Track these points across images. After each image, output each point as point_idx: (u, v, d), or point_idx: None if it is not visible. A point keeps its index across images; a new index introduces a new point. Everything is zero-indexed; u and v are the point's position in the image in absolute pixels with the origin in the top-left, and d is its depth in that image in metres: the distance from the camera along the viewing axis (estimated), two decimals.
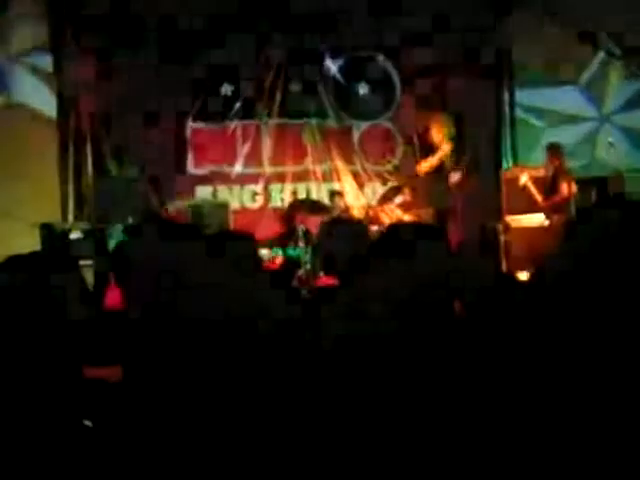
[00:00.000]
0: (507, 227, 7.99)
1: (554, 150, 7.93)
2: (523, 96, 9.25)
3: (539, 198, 7.63)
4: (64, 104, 8.42)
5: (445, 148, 7.42)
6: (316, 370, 1.87)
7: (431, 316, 1.93)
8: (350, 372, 1.82)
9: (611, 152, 7.90)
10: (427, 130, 7.92)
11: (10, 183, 7.96)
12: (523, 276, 7.67)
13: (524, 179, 7.67)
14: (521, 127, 9.34)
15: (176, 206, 8.02)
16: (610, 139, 8.08)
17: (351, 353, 1.85)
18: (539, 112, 9.26)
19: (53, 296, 1.78)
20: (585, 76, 9.27)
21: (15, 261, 1.83)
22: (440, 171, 7.48)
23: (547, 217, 7.58)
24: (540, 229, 8.06)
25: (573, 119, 8.45)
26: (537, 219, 8.11)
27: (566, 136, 8.35)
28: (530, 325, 1.90)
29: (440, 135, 7.49)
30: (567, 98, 9.01)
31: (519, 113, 9.28)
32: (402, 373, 1.79)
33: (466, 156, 7.81)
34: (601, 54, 9.08)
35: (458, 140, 7.84)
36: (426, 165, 7.50)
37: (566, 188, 7.60)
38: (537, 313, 1.92)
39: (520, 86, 9.22)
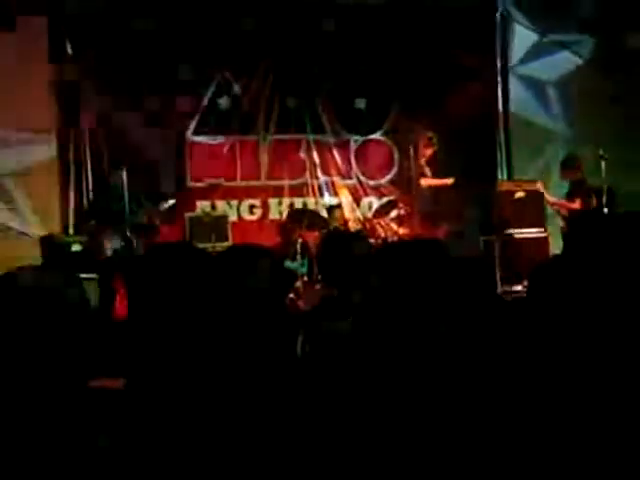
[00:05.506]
0: (503, 240, 8.04)
1: (571, 163, 8.04)
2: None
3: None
4: (65, 116, 8.43)
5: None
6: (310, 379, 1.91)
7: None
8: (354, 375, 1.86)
9: (601, 164, 7.86)
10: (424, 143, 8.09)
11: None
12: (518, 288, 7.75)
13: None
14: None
15: (166, 205, 8.03)
16: (601, 151, 8.04)
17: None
18: None
19: (55, 308, 1.81)
20: None
21: (17, 274, 1.85)
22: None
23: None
24: (536, 241, 8.12)
25: None
26: (534, 232, 8.18)
27: None
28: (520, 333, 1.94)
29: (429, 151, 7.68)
30: None
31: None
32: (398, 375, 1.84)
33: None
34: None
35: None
36: (427, 182, 7.68)
37: (579, 203, 7.80)
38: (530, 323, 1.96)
39: None
